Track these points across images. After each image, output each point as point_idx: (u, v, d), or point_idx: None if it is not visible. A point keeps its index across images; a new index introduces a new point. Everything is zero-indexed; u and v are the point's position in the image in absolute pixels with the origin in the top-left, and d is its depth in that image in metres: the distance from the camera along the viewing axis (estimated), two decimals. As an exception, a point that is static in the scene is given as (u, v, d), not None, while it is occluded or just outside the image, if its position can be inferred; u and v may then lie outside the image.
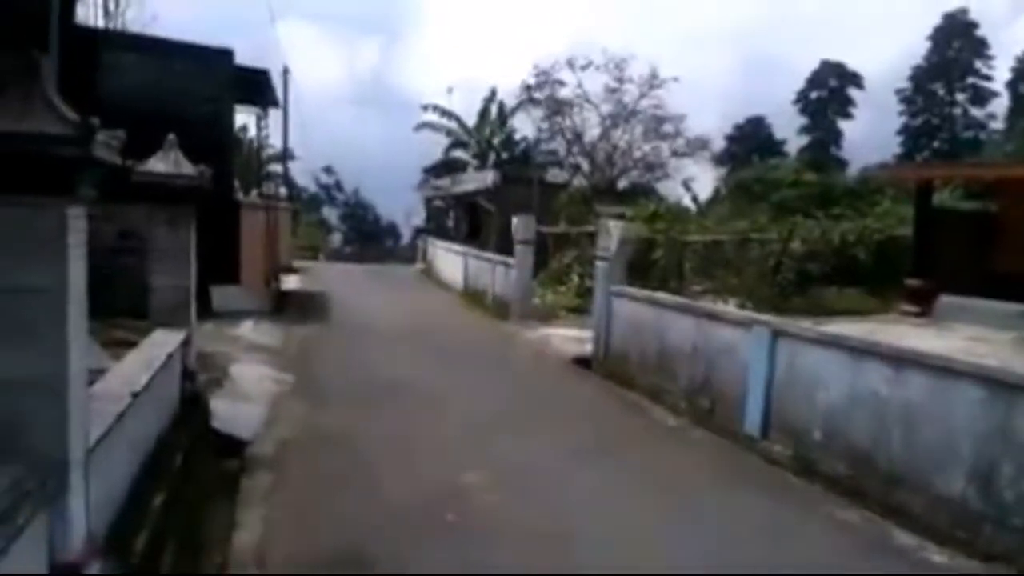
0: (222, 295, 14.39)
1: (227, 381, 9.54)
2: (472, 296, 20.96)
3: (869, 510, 6.44)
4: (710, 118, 58.43)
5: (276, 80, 21.57)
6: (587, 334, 12.92)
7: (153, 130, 7.08)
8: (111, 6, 22.62)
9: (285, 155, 30.10)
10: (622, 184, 34.48)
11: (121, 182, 7.02)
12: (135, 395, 4.81)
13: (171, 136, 7.00)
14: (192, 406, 7.27)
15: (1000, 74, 52.96)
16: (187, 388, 7.26)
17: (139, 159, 6.92)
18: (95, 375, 5.07)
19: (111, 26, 22.17)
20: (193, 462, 6.32)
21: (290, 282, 22.23)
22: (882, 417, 6.65)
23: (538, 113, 34.74)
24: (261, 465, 6.93)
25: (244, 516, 5.80)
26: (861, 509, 6.47)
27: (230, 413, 7.96)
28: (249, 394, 9.22)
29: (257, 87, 17.65)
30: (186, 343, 7.24)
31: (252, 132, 27.13)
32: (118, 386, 4.94)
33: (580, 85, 33.36)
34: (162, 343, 6.63)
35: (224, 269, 14.57)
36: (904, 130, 55.63)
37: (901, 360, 6.60)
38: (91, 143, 3.14)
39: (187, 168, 7.00)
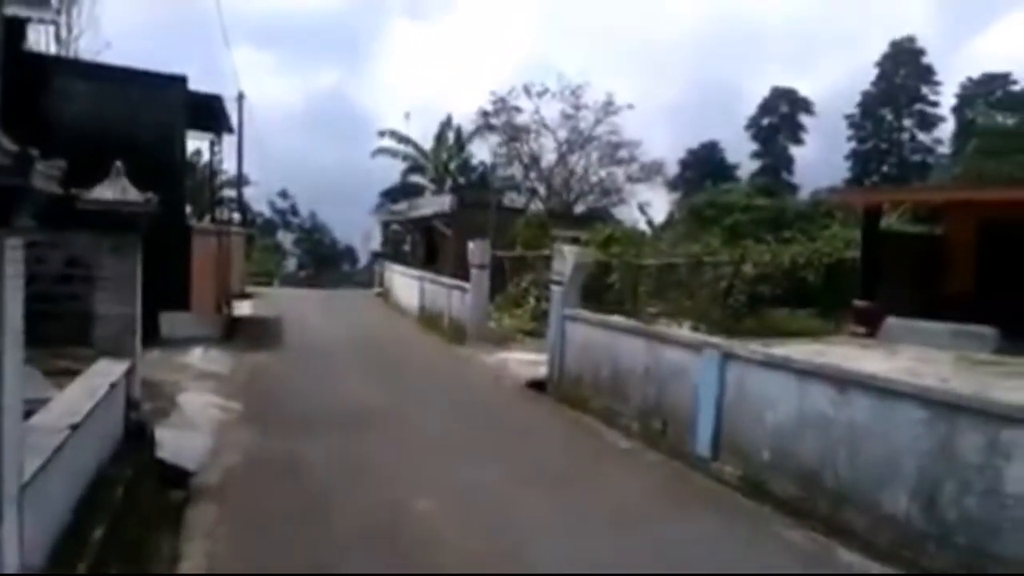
0: (171, 322, 14.16)
1: (174, 410, 9.36)
2: (428, 320, 20.90)
3: (815, 530, 6.52)
4: (664, 143, 59.83)
5: (231, 106, 21.54)
6: (543, 357, 12.95)
7: (103, 156, 7.06)
8: (63, 33, 22.42)
9: (240, 180, 29.94)
10: (579, 209, 34.89)
11: (67, 209, 6.96)
12: (74, 427, 4.71)
13: (118, 163, 6.95)
14: (136, 436, 7.11)
15: (946, 100, 54.81)
16: (131, 418, 7.12)
17: (89, 185, 6.87)
18: (37, 405, 4.97)
19: (63, 53, 21.98)
20: (136, 493, 6.18)
21: (243, 308, 21.94)
22: (828, 438, 6.77)
23: (495, 139, 35.13)
24: (206, 496, 6.80)
25: (187, 548, 5.68)
26: (807, 529, 6.55)
27: (176, 443, 7.80)
28: (196, 423, 9.05)
29: (210, 113, 17.54)
30: (130, 372, 7.11)
31: (207, 157, 26.88)
32: (58, 417, 4.83)
33: (537, 111, 33.83)
34: (106, 372, 6.51)
35: (174, 295, 14.36)
36: (853, 155, 57.10)
37: (845, 381, 6.73)
38: (29, 173, 3.09)
39: (134, 195, 6.93)
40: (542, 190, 35.25)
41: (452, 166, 39.70)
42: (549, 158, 35.17)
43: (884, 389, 6.37)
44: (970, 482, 5.57)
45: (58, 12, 23.05)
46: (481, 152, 37.88)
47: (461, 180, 39.12)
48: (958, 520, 5.63)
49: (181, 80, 15.36)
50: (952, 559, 5.59)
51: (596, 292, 15.95)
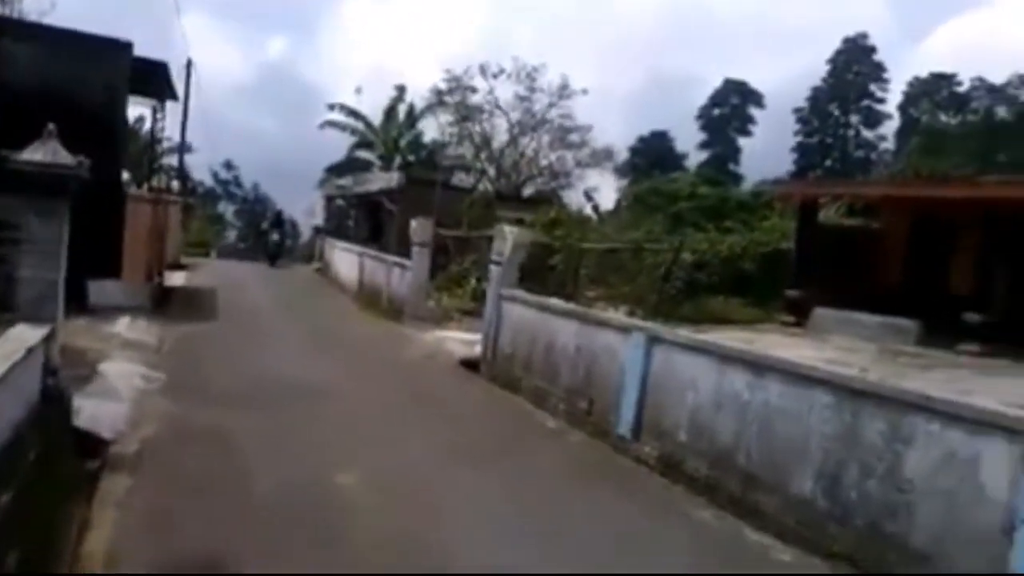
0: (100, 290, 13.83)
1: (95, 378, 9.15)
2: (367, 297, 20.78)
3: (724, 509, 6.71)
4: (615, 130, 60.08)
5: (179, 73, 21.05)
6: (478, 337, 13.00)
7: (42, 119, 6.89)
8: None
9: (182, 148, 29.13)
10: (527, 191, 34.89)
11: (-4, 171, 6.78)
12: (-18, 389, 4.60)
13: (50, 125, 6.81)
14: (53, 403, 6.97)
15: (893, 97, 56.18)
16: (49, 385, 6.97)
17: (23, 147, 6.71)
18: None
19: (6, 13, 21.30)
20: (49, 460, 6.07)
21: (176, 278, 21.51)
22: (742, 420, 6.96)
23: (447, 117, 34.84)
24: (122, 465, 6.70)
25: (97, 517, 5.60)
26: (717, 509, 6.75)
27: (94, 411, 7.65)
28: (117, 392, 8.86)
29: (154, 79, 17.14)
30: (50, 337, 6.94)
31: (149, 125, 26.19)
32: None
33: (492, 92, 33.65)
34: (23, 337, 6.36)
35: (105, 263, 14.03)
36: (799, 148, 58.23)
37: (762, 366, 6.92)
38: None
39: (64, 158, 6.79)
40: (491, 171, 35.14)
41: (402, 143, 39.30)
42: (500, 139, 35.08)
43: (796, 374, 6.57)
44: (872, 466, 5.79)
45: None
46: (432, 130, 37.60)
47: (411, 157, 38.75)
48: (858, 502, 5.85)
49: (126, 45, 15.02)
50: (851, 539, 5.80)
51: (538, 274, 15.99)
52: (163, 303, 16.39)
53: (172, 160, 32.64)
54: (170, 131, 24.70)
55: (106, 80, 14.90)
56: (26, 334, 6.47)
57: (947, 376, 10.52)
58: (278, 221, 35.25)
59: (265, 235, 35.47)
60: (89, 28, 15.12)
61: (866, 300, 15.76)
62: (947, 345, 13.64)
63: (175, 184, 28.80)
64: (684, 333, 8.60)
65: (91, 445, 7.11)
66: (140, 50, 15.29)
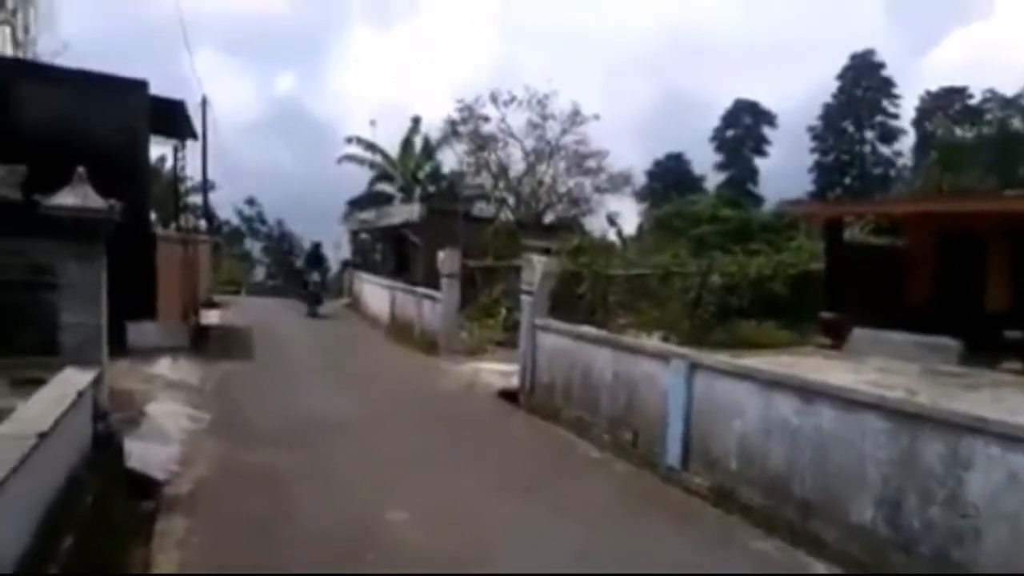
0: (138, 331, 13.96)
1: (142, 420, 9.25)
2: (399, 330, 20.82)
3: (784, 540, 6.62)
4: (630, 154, 60.16)
5: (194, 111, 21.31)
6: (514, 368, 12.98)
7: (66, 162, 6.97)
8: (20, 35, 22.09)
9: (205, 186, 29.54)
10: (548, 218, 35.02)
11: (29, 216, 6.87)
12: (41, 436, 4.66)
13: (80, 169, 6.88)
14: (105, 446, 7.04)
15: (906, 112, 55.95)
16: (99, 428, 7.03)
17: (52, 192, 6.79)
18: (2, 415, 4.90)
19: (20, 55, 21.63)
20: (105, 503, 6.13)
21: (211, 317, 21.70)
22: (794, 446, 6.87)
23: (462, 147, 35.11)
24: (177, 506, 6.75)
25: (159, 559, 5.64)
26: (777, 539, 6.65)
27: (145, 453, 7.73)
28: (165, 433, 8.96)
29: (173, 118, 17.34)
30: (98, 381, 7.02)
31: (170, 164, 26.57)
32: (24, 427, 4.78)
33: (504, 120, 33.92)
34: (72, 381, 6.44)
35: (141, 304, 14.16)
36: (816, 166, 58.06)
37: (810, 392, 6.85)
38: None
39: (96, 201, 6.87)
40: (511, 200, 35.32)
41: (421, 174, 39.59)
42: (517, 167, 35.28)
43: (845, 399, 6.50)
44: (933, 491, 5.70)
45: (13, 13, 22.75)
46: (450, 161, 37.87)
47: (431, 188, 39.01)
48: (922, 529, 5.75)
49: (142, 84, 15.12)
50: (918, 568, 5.69)
51: (567, 302, 16.03)
52: (201, 342, 16.56)
53: (195, 199, 33.07)
54: (190, 170, 25.03)
55: (127, 120, 14.88)
56: (74, 378, 6.55)
57: (994, 395, 10.39)
58: (316, 257, 28.62)
59: (301, 275, 30.46)
60: (101, 67, 15.19)
61: (901, 319, 15.62)
62: (988, 364, 13.46)
63: (202, 223, 29.11)
64: (724, 359, 8.54)
65: (145, 486, 7.17)
66: (151, 89, 15.26)
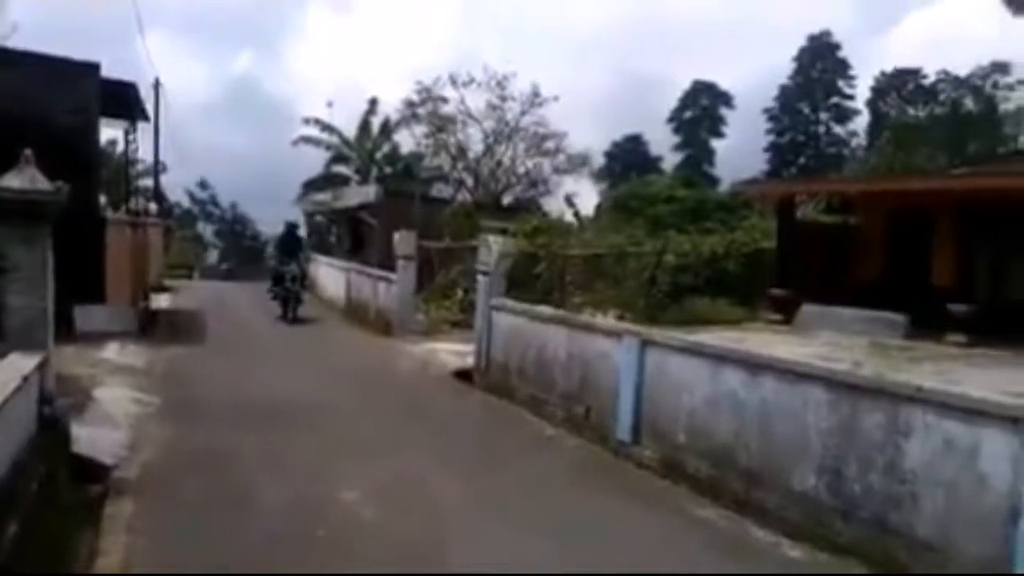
0: (86, 315, 13.73)
1: (90, 404, 9.12)
2: (355, 312, 20.73)
3: (729, 508, 6.79)
4: (589, 135, 60.12)
5: (147, 93, 20.91)
6: (469, 348, 13.04)
7: (13, 145, 6.82)
8: (-33, 15, 21.43)
9: (156, 169, 29.07)
10: (507, 200, 34.97)
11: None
12: (-18, 420, 4.59)
13: (27, 152, 6.74)
14: (50, 431, 6.95)
15: (861, 93, 56.82)
16: (45, 413, 6.94)
17: None
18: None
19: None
20: (52, 488, 6.06)
21: (161, 301, 21.35)
22: (740, 419, 7.03)
23: (421, 129, 34.88)
24: (126, 489, 6.68)
25: (106, 543, 5.58)
26: (721, 508, 6.82)
27: (92, 437, 7.62)
28: (114, 417, 8.83)
29: (125, 100, 17.00)
30: (43, 365, 6.91)
31: (122, 147, 26.04)
32: (-35, 411, 4.70)
33: (463, 101, 33.74)
34: (17, 366, 6.33)
35: (89, 288, 13.92)
36: (772, 147, 58.76)
37: (756, 365, 7.01)
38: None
39: (43, 184, 6.75)
40: (469, 181, 35.20)
41: (378, 156, 39.24)
42: (476, 149, 35.15)
43: (791, 371, 6.66)
44: (872, 458, 5.88)
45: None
46: (408, 142, 37.56)
47: (387, 170, 38.68)
48: (861, 495, 5.92)
49: (94, 67, 14.84)
50: (857, 532, 5.88)
51: (524, 282, 16.10)
52: (150, 326, 16.31)
53: (147, 182, 32.47)
54: (142, 152, 24.59)
55: (78, 103, 14.65)
56: (20, 363, 6.44)
57: (937, 367, 10.69)
58: (292, 242, 21.53)
59: (267, 261, 24.36)
60: (52, 48, 14.88)
61: (850, 295, 15.99)
62: (934, 337, 13.84)
63: (152, 206, 28.62)
64: (676, 335, 8.68)
65: (92, 471, 7.09)
66: (103, 71, 15.07)
